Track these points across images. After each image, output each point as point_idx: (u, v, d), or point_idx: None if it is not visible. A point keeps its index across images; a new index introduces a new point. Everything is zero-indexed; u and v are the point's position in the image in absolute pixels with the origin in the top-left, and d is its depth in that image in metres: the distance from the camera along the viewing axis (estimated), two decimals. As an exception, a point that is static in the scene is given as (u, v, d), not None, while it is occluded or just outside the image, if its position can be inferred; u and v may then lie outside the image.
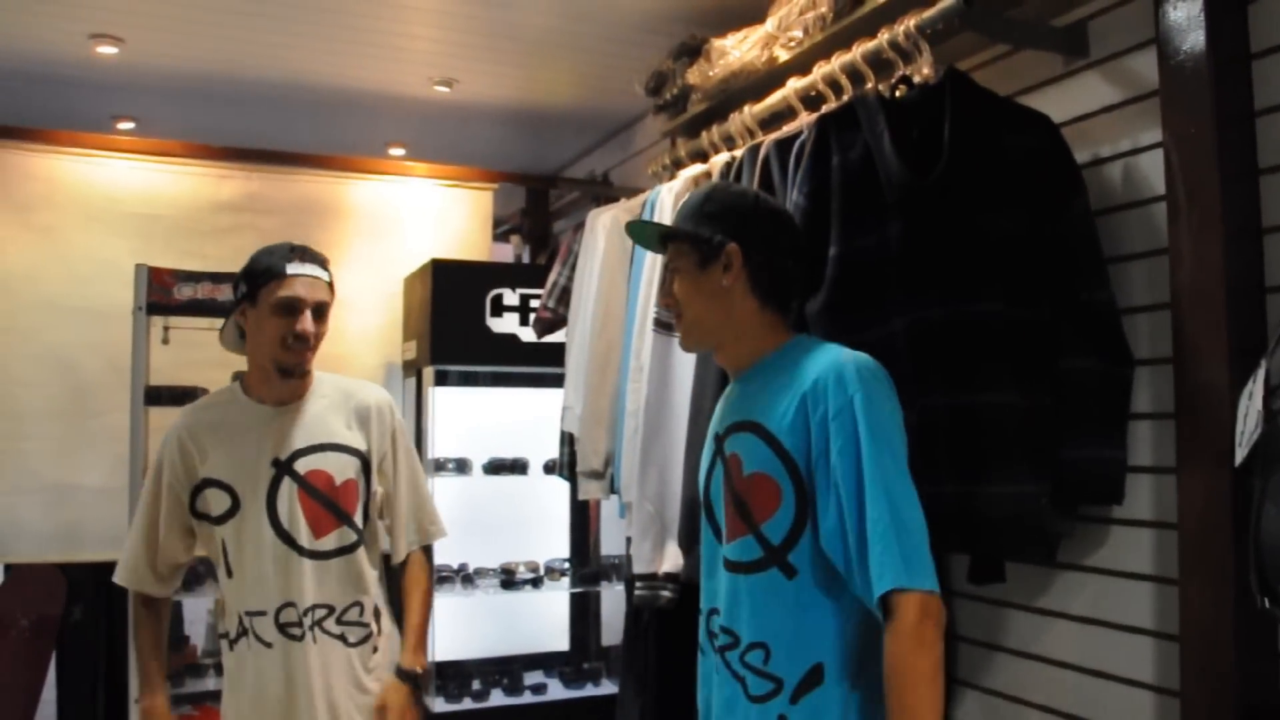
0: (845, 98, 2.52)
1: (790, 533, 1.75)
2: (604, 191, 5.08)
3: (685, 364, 2.78)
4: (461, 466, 4.49)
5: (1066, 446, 2.16)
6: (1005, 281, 2.14)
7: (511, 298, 4.61)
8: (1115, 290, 2.20)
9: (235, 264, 4.29)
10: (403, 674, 2.44)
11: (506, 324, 4.59)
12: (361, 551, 2.43)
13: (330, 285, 2.39)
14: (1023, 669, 2.50)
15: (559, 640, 4.96)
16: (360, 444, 2.46)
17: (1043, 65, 2.49)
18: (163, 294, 4.10)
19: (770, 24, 3.02)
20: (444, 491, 4.25)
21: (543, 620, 4.90)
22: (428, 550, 2.61)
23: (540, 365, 4.45)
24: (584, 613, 4.99)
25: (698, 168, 3.10)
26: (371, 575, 2.47)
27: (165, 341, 4.20)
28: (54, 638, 4.30)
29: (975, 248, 2.15)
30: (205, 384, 4.11)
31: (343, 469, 2.42)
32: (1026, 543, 2.19)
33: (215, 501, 2.37)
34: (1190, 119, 2.06)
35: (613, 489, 3.28)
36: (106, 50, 4.03)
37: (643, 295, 3.03)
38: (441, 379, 4.53)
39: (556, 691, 4.56)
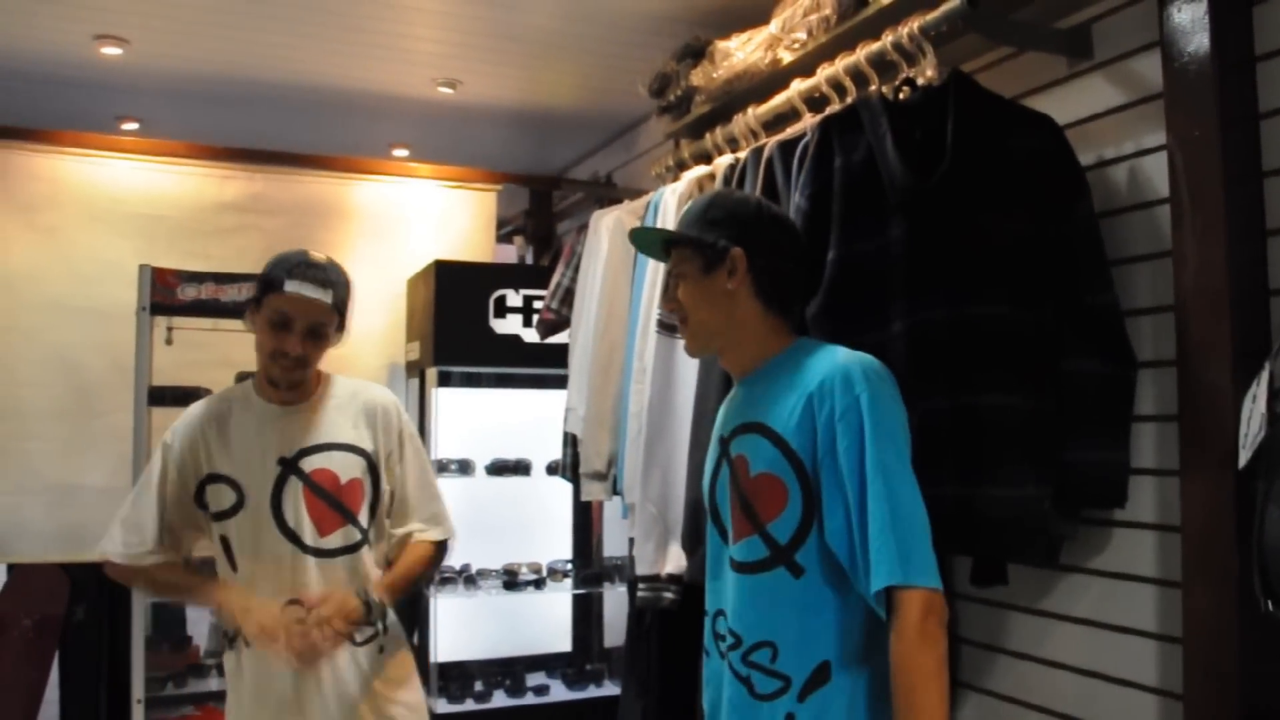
0: (849, 100, 2.52)
1: (797, 532, 1.77)
2: (607, 193, 5.07)
3: (688, 366, 2.78)
4: (464, 467, 4.49)
5: (1069, 449, 2.16)
6: (1008, 283, 2.14)
7: (515, 299, 4.61)
8: (1119, 292, 2.20)
9: (239, 265, 4.36)
10: (361, 593, 2.35)
11: (510, 325, 4.59)
12: (366, 551, 2.43)
13: (332, 306, 2.35)
14: (1025, 671, 2.50)
15: (561, 641, 4.95)
16: (366, 444, 2.46)
17: (1047, 67, 2.49)
18: (166, 294, 4.10)
19: (774, 26, 3.02)
20: (447, 492, 4.20)
21: (545, 621, 4.90)
22: (438, 546, 2.56)
23: (543, 366, 4.44)
24: (586, 614, 4.98)
25: (701, 169, 3.10)
26: (377, 575, 2.47)
27: (169, 342, 4.20)
28: (57, 637, 4.30)
29: (978, 250, 2.15)
30: (208, 384, 4.11)
31: (348, 468, 2.42)
32: (1028, 545, 2.19)
33: (220, 497, 2.37)
34: (1194, 121, 2.06)
35: (615, 490, 3.28)
36: (111, 51, 4.03)
37: (646, 297, 3.03)
38: (445, 380, 4.53)
39: (559, 693, 4.57)
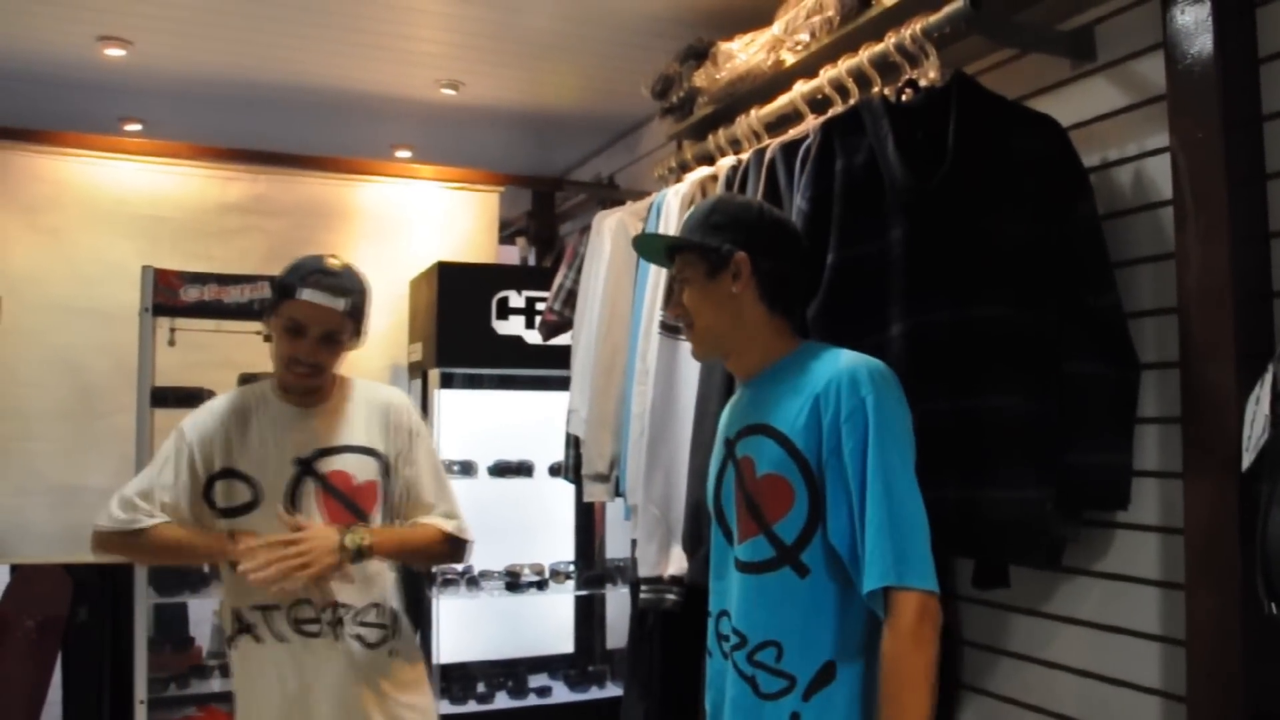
0: (851, 101, 2.52)
1: (803, 532, 1.79)
2: (610, 194, 5.07)
3: (691, 367, 2.78)
4: (467, 469, 4.49)
5: (1072, 451, 2.16)
6: (1010, 285, 2.14)
7: (517, 300, 4.60)
8: (1122, 294, 2.19)
9: (242, 266, 4.37)
10: (341, 528, 2.31)
11: (512, 326, 4.59)
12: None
13: (346, 313, 2.35)
14: (1028, 673, 2.50)
15: (564, 643, 4.95)
16: (380, 445, 2.47)
17: (1050, 69, 2.49)
18: (169, 295, 4.11)
19: (777, 27, 3.02)
20: (449, 493, 4.25)
21: (548, 623, 4.90)
22: (449, 539, 2.50)
23: (546, 368, 4.44)
24: (589, 615, 4.98)
25: (704, 171, 3.09)
26: (389, 578, 2.47)
27: (171, 343, 4.21)
28: (59, 638, 4.31)
29: (980, 251, 2.14)
30: (211, 385, 4.12)
31: (363, 470, 2.43)
32: (1031, 547, 2.18)
33: (231, 493, 2.38)
34: (1198, 123, 2.06)
35: (618, 492, 3.28)
36: (114, 52, 4.04)
37: (648, 298, 3.03)
38: (447, 381, 4.53)
39: (561, 694, 4.57)
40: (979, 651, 2.64)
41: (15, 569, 4.45)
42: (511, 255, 6.10)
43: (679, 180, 3.23)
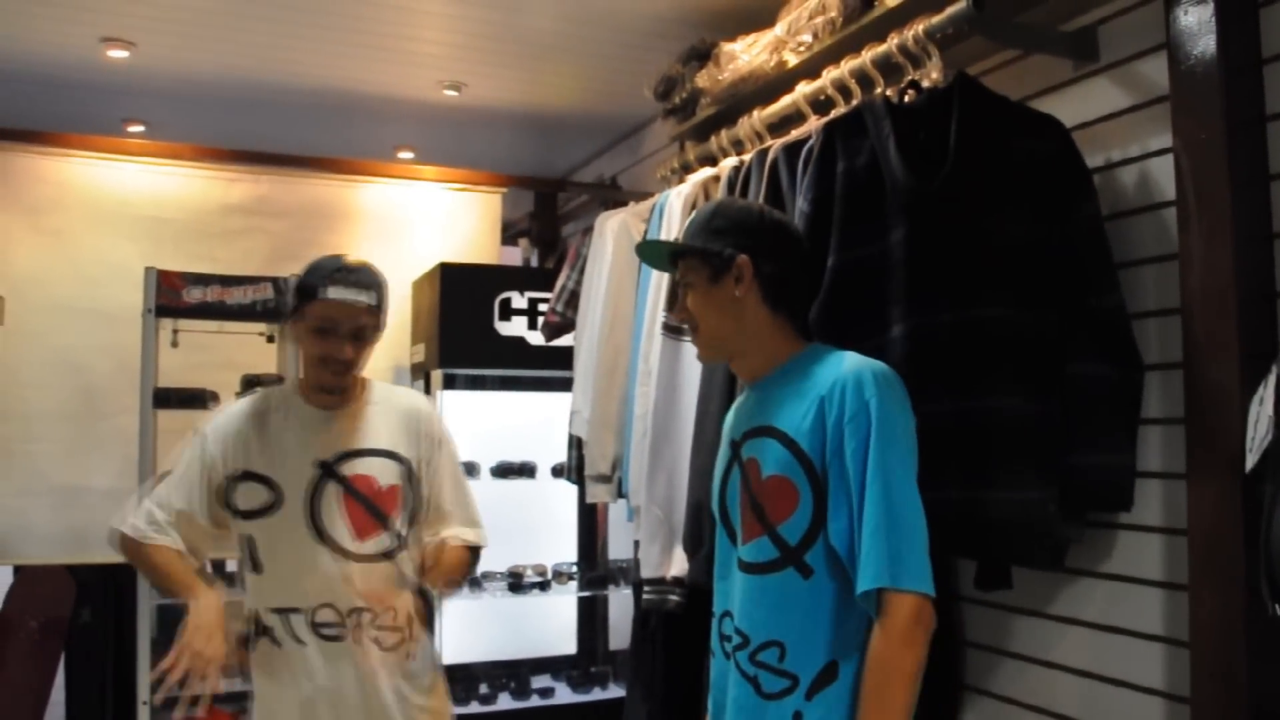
0: (854, 102, 2.52)
1: (807, 534, 1.80)
2: (612, 195, 5.07)
3: (694, 368, 2.78)
4: (469, 470, 4.47)
5: (1075, 452, 2.15)
6: (1012, 286, 2.14)
7: (520, 301, 4.60)
8: (1125, 295, 2.19)
9: (244, 267, 4.37)
10: (418, 590, 2.37)
11: (515, 327, 4.59)
12: (402, 557, 2.44)
13: (373, 307, 2.36)
14: (1032, 674, 2.50)
15: (566, 644, 4.95)
16: (404, 450, 2.47)
17: (1053, 70, 2.49)
18: (172, 297, 4.11)
19: (779, 28, 3.02)
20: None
21: (550, 624, 4.90)
22: (473, 552, 2.57)
23: (548, 369, 4.44)
24: (591, 616, 4.98)
25: (706, 172, 3.10)
26: (406, 584, 2.47)
27: (174, 344, 4.22)
28: (63, 639, 4.32)
29: (981, 252, 2.14)
30: (214, 387, 4.13)
31: (386, 474, 2.43)
32: (1033, 549, 2.18)
33: (251, 495, 2.38)
34: (1201, 124, 2.06)
35: (621, 493, 3.28)
36: (117, 54, 4.04)
37: (651, 299, 3.03)
38: (450, 382, 4.53)
39: (564, 695, 4.56)
40: (981, 653, 2.63)
41: (18, 570, 4.46)
42: (514, 256, 6.10)
43: (681, 181, 3.23)
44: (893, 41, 2.41)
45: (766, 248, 1.91)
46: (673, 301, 2.05)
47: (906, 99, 2.36)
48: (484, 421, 4.65)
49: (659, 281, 2.97)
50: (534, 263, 5.88)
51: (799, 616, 1.80)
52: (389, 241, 5.14)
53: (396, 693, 2.39)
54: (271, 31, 3.88)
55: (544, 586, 4.54)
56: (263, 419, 2.44)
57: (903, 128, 2.25)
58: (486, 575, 4.48)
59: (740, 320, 1.92)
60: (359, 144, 5.28)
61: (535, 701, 4.47)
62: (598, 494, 3.39)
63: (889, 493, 1.71)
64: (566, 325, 3.88)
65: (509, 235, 5.88)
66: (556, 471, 4.47)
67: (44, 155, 4.59)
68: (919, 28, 2.34)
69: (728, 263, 1.89)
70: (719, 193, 2.91)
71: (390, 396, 2.56)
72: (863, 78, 2.54)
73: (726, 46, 3.25)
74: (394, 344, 5.01)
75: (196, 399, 4.10)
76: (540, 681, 4.60)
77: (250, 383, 4.13)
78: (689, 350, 2.47)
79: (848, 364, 1.83)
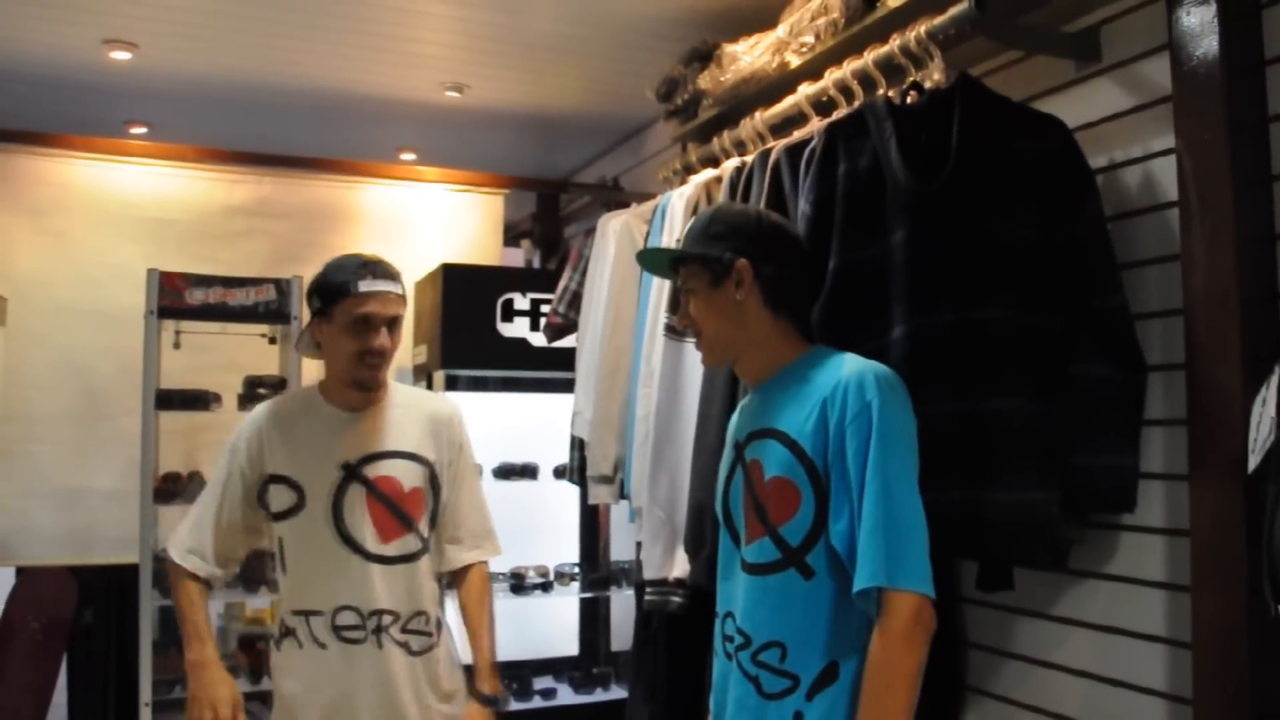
0: (856, 104, 2.52)
1: (809, 535, 1.81)
2: (615, 197, 5.07)
3: (696, 369, 2.78)
4: (472, 471, 4.49)
5: (1078, 453, 2.15)
6: (1014, 287, 2.13)
7: (522, 302, 4.60)
8: (1128, 296, 2.19)
9: (247, 268, 4.37)
10: (484, 699, 2.43)
11: (517, 329, 4.59)
12: (425, 561, 2.45)
13: (402, 297, 2.42)
14: (1034, 676, 2.49)
15: (568, 645, 4.95)
16: (429, 453, 2.47)
17: (1055, 71, 2.49)
18: (174, 298, 4.12)
19: (782, 29, 3.02)
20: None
21: (552, 625, 4.89)
22: (486, 566, 2.60)
23: (551, 370, 4.44)
24: (593, 618, 4.98)
25: (709, 173, 3.10)
26: (433, 586, 2.48)
27: (177, 346, 4.22)
28: (65, 640, 4.32)
29: (983, 253, 2.14)
30: (216, 388, 4.14)
31: (411, 477, 2.44)
32: (1036, 550, 2.18)
33: (280, 498, 2.39)
34: (1203, 125, 2.06)
35: (623, 494, 3.28)
36: (120, 56, 4.04)
37: (653, 300, 3.03)
38: (452, 384, 4.52)
39: (566, 696, 4.56)
40: (983, 654, 2.63)
41: (21, 571, 4.46)
42: (516, 258, 6.10)
43: (684, 182, 3.23)
44: (895, 42, 2.41)
45: (765, 251, 1.93)
46: (675, 306, 2.06)
47: (909, 100, 2.36)
48: (486, 423, 4.62)
49: (661, 283, 2.97)
50: (536, 264, 5.88)
51: (800, 617, 1.81)
52: (391, 243, 5.12)
53: (417, 698, 2.39)
54: (274, 33, 3.88)
55: (546, 588, 4.53)
56: (285, 422, 2.45)
57: (905, 129, 2.25)
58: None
59: (742, 324, 1.93)
60: (361, 145, 5.28)
61: (537, 703, 4.46)
62: (600, 495, 3.39)
63: (888, 493, 1.72)
64: (569, 326, 3.88)
65: (511, 236, 5.88)
66: (559, 473, 4.47)
67: (46, 157, 4.59)
68: (921, 29, 2.34)
69: (727, 267, 1.91)
70: (721, 194, 2.91)
71: (414, 399, 2.57)
72: (865, 79, 2.54)
73: (728, 48, 3.25)
74: (396, 345, 5.01)
75: (199, 400, 4.11)
76: (542, 682, 4.60)
77: (253, 384, 4.14)
78: (691, 352, 2.47)
79: (850, 366, 1.83)
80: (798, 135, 2.67)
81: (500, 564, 4.47)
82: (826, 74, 2.66)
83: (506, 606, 4.59)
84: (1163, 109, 2.22)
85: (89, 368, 4.50)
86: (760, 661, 1.84)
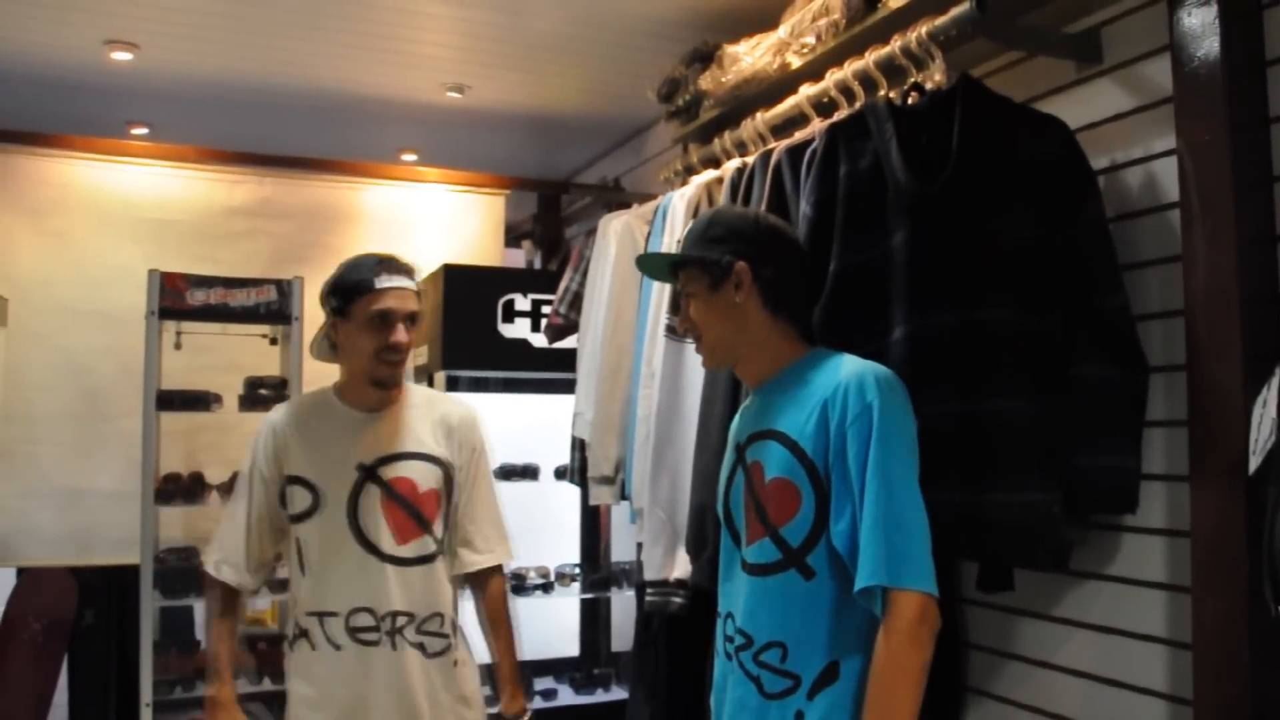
0: (858, 105, 2.52)
1: (809, 536, 1.82)
2: (616, 197, 5.07)
3: (697, 370, 2.78)
4: (472, 471, 4.48)
5: (1080, 454, 2.15)
6: (1015, 287, 2.13)
7: (523, 303, 4.60)
8: (1129, 296, 2.19)
9: (248, 269, 4.37)
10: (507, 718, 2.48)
11: (518, 329, 4.58)
12: (440, 562, 2.45)
13: (418, 293, 2.43)
14: (1034, 676, 2.49)
15: (569, 646, 4.95)
16: (444, 455, 2.48)
17: (1056, 72, 2.49)
18: (175, 299, 4.11)
19: (783, 30, 3.02)
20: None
21: (553, 626, 4.89)
22: (501, 570, 2.62)
23: (552, 371, 4.44)
24: (594, 618, 4.98)
25: (710, 174, 3.10)
26: (449, 588, 2.48)
27: (178, 346, 4.21)
28: (66, 641, 4.32)
29: (984, 254, 2.14)
30: (217, 389, 4.14)
31: (427, 478, 2.44)
32: (1037, 551, 2.18)
33: (297, 499, 2.40)
34: (1204, 126, 2.06)
35: (624, 495, 3.28)
36: (121, 56, 4.05)
37: (654, 301, 3.03)
38: (453, 384, 4.52)
39: (566, 697, 4.55)
40: (984, 654, 2.63)
41: (21, 572, 4.47)
42: (517, 258, 6.10)
43: (685, 183, 3.23)
44: (896, 43, 2.41)
45: (764, 253, 1.94)
46: (676, 307, 2.06)
47: (910, 101, 2.36)
48: (487, 423, 4.64)
49: (661, 284, 2.97)
50: (537, 265, 5.88)
51: (801, 617, 1.82)
52: (392, 243, 5.06)
53: (433, 699, 2.39)
54: (275, 34, 3.89)
55: (547, 588, 4.52)
56: (301, 423, 2.46)
57: (906, 130, 2.25)
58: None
59: (742, 326, 1.94)
60: (362, 146, 5.28)
61: (538, 704, 4.45)
62: (601, 496, 3.39)
63: (890, 492, 1.73)
64: (570, 327, 3.88)
65: (512, 237, 5.89)
66: (559, 473, 4.46)
67: (47, 157, 4.59)
68: (922, 30, 2.34)
69: (726, 270, 1.91)
70: (722, 194, 2.91)
71: (432, 400, 2.59)
72: (866, 80, 2.54)
73: (730, 48, 3.25)
74: (397, 346, 5.01)
75: (199, 401, 4.11)
76: (543, 683, 4.59)
77: (253, 385, 4.14)
78: (692, 353, 2.47)
79: (850, 367, 1.84)
80: (799, 136, 2.67)
81: (501, 564, 4.48)
82: (828, 75, 2.66)
83: (507, 607, 4.59)
84: (1164, 110, 2.22)
85: (90, 368, 4.50)
86: (762, 662, 1.85)
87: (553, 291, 3.99)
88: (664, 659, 3.14)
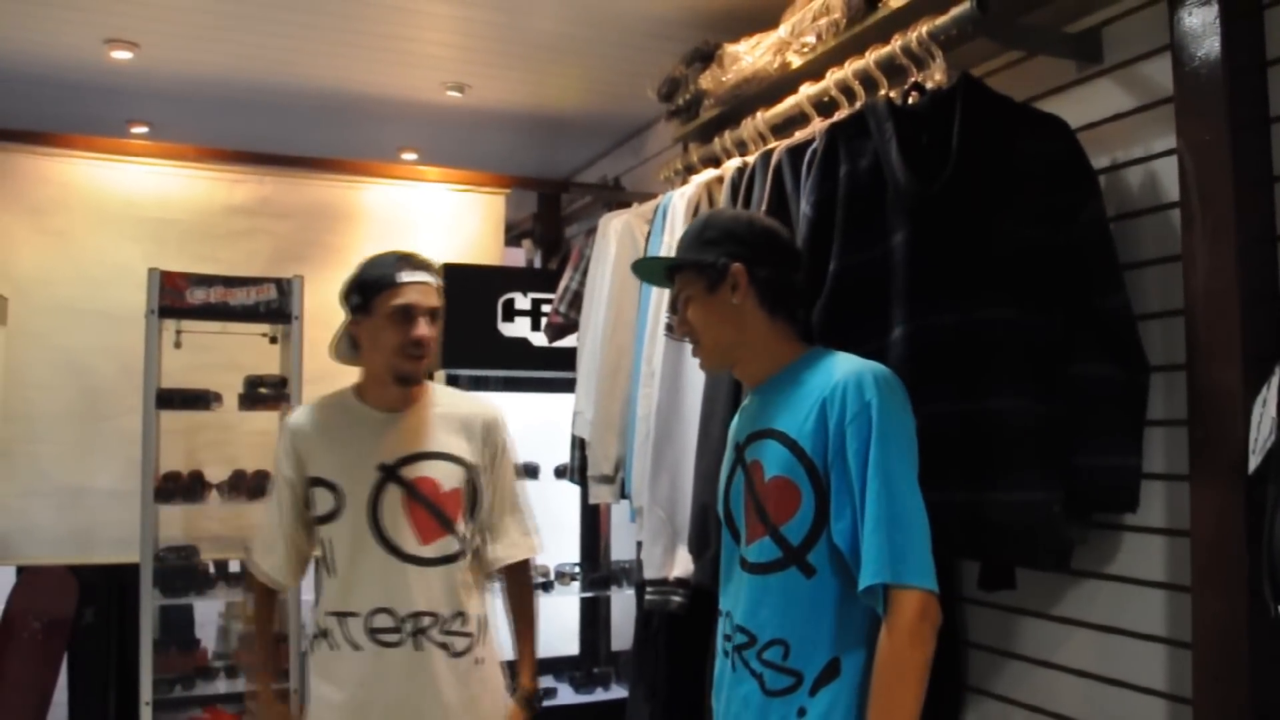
0: (858, 104, 2.52)
1: (809, 534, 1.82)
2: (616, 197, 5.07)
3: (697, 370, 2.78)
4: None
5: (1080, 454, 2.15)
6: (1015, 287, 2.14)
7: (523, 302, 4.60)
8: (1130, 296, 2.19)
9: (248, 268, 4.37)
10: (525, 700, 2.51)
11: (518, 328, 4.59)
12: (465, 562, 2.44)
13: (440, 289, 2.42)
14: (1035, 676, 2.50)
15: (569, 645, 4.95)
16: (467, 454, 2.46)
17: (1057, 71, 2.49)
18: (175, 298, 4.12)
19: (783, 29, 3.02)
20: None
21: (553, 624, 4.86)
22: (527, 565, 2.63)
23: (552, 370, 4.44)
24: (594, 617, 4.98)
25: (710, 173, 3.10)
26: (474, 587, 2.47)
27: (177, 345, 4.22)
28: (66, 640, 4.32)
29: (984, 253, 2.14)
30: (217, 388, 4.14)
31: (449, 478, 2.43)
32: (1037, 550, 2.18)
33: (321, 501, 2.40)
34: (1205, 125, 2.06)
35: (623, 493, 3.28)
36: (122, 55, 4.05)
37: (654, 300, 3.03)
38: (452, 383, 4.51)
39: (566, 696, 4.56)
40: (984, 654, 2.63)
41: (21, 571, 4.46)
42: (517, 257, 6.10)
43: (685, 183, 3.24)
44: (896, 43, 2.42)
45: (760, 254, 1.94)
46: (674, 312, 2.06)
47: (910, 100, 2.36)
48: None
49: (661, 283, 2.97)
50: (537, 264, 5.88)
51: (802, 615, 1.82)
52: (392, 242, 5.02)
53: (451, 698, 2.38)
54: (275, 33, 3.89)
55: (547, 587, 4.53)
56: (322, 425, 2.46)
57: (906, 129, 2.25)
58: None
59: (740, 327, 1.94)
60: (362, 145, 5.28)
61: (538, 702, 4.47)
62: (600, 495, 3.39)
63: (890, 490, 1.73)
64: (570, 326, 3.88)
65: (512, 236, 5.89)
66: (559, 472, 4.47)
67: (47, 156, 4.58)
68: (923, 29, 2.34)
69: (722, 272, 1.92)
70: (723, 194, 2.91)
71: (454, 400, 2.58)
72: (866, 79, 2.54)
73: (730, 48, 3.25)
74: (397, 345, 5.01)
75: (199, 400, 4.11)
76: (543, 682, 4.56)
77: (253, 384, 4.15)
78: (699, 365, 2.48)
79: (849, 366, 1.85)
80: (799, 136, 2.67)
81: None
82: (828, 74, 2.66)
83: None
84: (1164, 110, 2.22)
85: (90, 367, 4.49)
86: (764, 659, 1.86)
87: (552, 290, 4.00)
88: (664, 657, 3.15)
